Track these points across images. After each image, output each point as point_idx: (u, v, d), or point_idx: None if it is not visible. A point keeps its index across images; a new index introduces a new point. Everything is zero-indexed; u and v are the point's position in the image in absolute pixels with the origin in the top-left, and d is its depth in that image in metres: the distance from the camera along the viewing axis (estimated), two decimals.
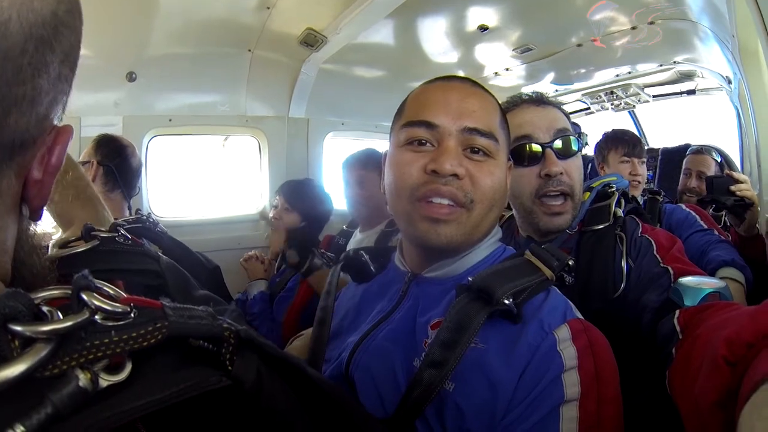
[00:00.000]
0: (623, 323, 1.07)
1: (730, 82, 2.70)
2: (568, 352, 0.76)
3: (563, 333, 0.78)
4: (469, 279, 0.83)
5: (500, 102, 1.37)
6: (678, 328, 0.84)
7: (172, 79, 2.58)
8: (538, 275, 0.86)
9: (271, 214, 2.57)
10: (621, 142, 2.48)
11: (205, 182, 3.16)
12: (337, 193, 2.64)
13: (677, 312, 0.88)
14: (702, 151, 2.82)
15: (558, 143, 1.24)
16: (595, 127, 3.89)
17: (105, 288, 0.38)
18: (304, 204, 2.55)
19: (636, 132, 3.93)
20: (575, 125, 3.87)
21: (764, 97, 1.91)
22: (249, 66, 2.73)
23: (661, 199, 2.29)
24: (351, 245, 2.57)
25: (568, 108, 3.94)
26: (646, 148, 3.76)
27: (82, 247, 0.86)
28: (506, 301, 0.78)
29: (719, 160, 2.80)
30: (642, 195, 2.36)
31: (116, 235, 0.92)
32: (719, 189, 2.03)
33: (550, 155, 1.23)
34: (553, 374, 0.75)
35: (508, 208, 1.38)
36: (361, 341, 0.93)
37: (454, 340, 0.78)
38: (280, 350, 0.46)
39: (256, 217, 3.02)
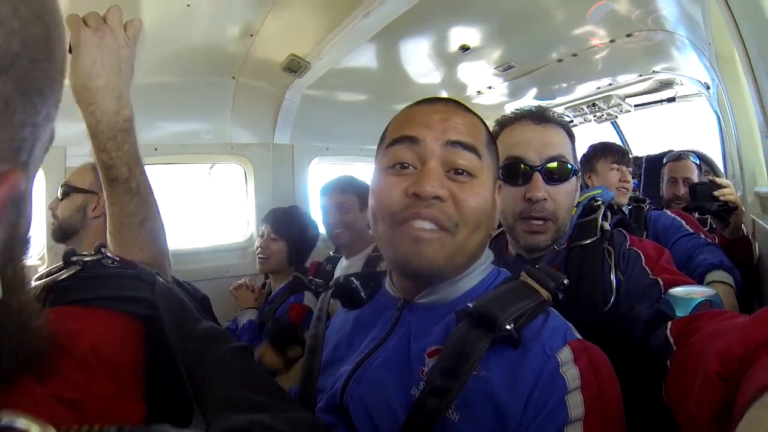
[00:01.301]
0: (615, 336, 1.05)
1: (708, 88, 2.75)
2: (571, 374, 0.75)
3: (565, 355, 0.77)
4: (470, 305, 0.81)
5: (500, 117, 1.37)
6: (671, 340, 0.83)
7: (157, 108, 2.57)
8: (536, 297, 0.84)
9: (257, 244, 2.54)
10: (610, 152, 2.54)
11: (191, 211, 3.13)
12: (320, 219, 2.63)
13: (669, 323, 0.87)
14: (682, 157, 2.86)
15: (548, 168, 1.24)
16: (580, 139, 3.93)
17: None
18: (290, 232, 2.53)
19: (620, 141, 4.00)
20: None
21: (742, 102, 1.95)
22: (233, 94, 2.73)
23: (646, 207, 2.32)
24: (338, 271, 2.55)
25: None
26: (630, 156, 3.83)
27: (62, 275, 0.80)
28: (508, 327, 0.76)
29: (698, 162, 2.83)
30: (627, 204, 2.41)
31: (102, 257, 0.86)
32: (702, 195, 2.06)
33: (537, 180, 1.23)
34: (557, 397, 0.73)
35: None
36: (354, 371, 0.89)
37: (457, 368, 0.75)
38: None
39: (244, 245, 2.99)
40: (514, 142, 1.27)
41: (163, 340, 0.79)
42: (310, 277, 2.55)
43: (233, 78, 2.66)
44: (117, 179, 1.00)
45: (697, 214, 2.20)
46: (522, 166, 1.24)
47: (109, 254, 0.88)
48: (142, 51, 2.24)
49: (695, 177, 2.76)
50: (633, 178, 3.53)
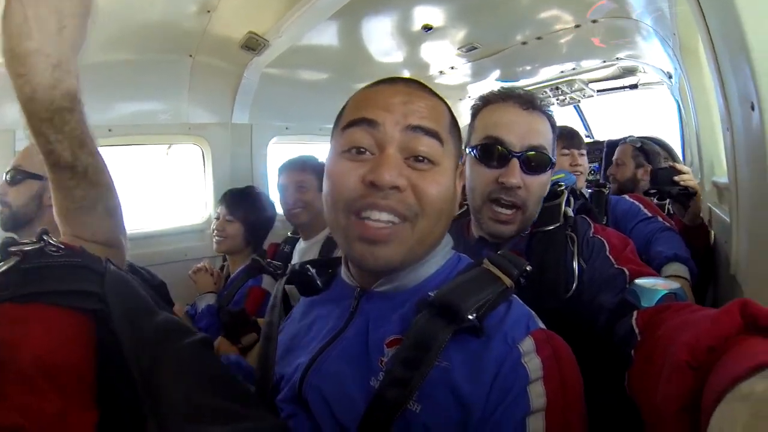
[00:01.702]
0: (577, 323, 1.06)
1: (670, 77, 2.77)
2: (533, 364, 0.75)
3: (527, 345, 0.77)
4: (431, 294, 0.80)
5: (486, 92, 1.33)
6: (636, 330, 0.83)
7: (110, 88, 2.46)
8: (498, 285, 0.83)
9: (213, 226, 2.50)
10: (559, 137, 2.48)
11: (148, 193, 3.06)
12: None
13: (635, 313, 0.87)
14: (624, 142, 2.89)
15: (527, 156, 1.21)
16: None
17: None
18: (246, 213, 2.50)
19: (582, 126, 4.03)
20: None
21: (704, 94, 1.98)
22: (190, 72, 2.64)
23: (606, 191, 2.29)
24: (296, 254, 2.53)
25: None
26: (591, 141, 3.86)
27: None
28: (470, 317, 0.76)
29: (638, 146, 2.83)
30: (588, 188, 2.39)
31: (44, 245, 0.76)
32: (663, 179, 2.09)
33: (514, 166, 1.20)
34: (519, 387, 0.73)
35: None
36: (312, 362, 0.88)
37: (418, 359, 0.75)
38: None
39: (202, 227, 2.95)
40: (496, 123, 1.23)
41: (115, 340, 0.71)
42: (269, 260, 2.53)
43: (190, 56, 2.57)
44: (58, 164, 0.85)
45: (656, 199, 2.24)
46: (500, 148, 1.20)
47: (52, 241, 0.78)
48: (95, 28, 2.16)
49: (629, 161, 2.78)
50: (593, 161, 3.60)
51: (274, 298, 1.08)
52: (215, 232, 2.48)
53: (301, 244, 2.52)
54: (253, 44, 2.59)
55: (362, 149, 0.82)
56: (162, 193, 3.16)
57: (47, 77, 0.77)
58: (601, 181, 3.02)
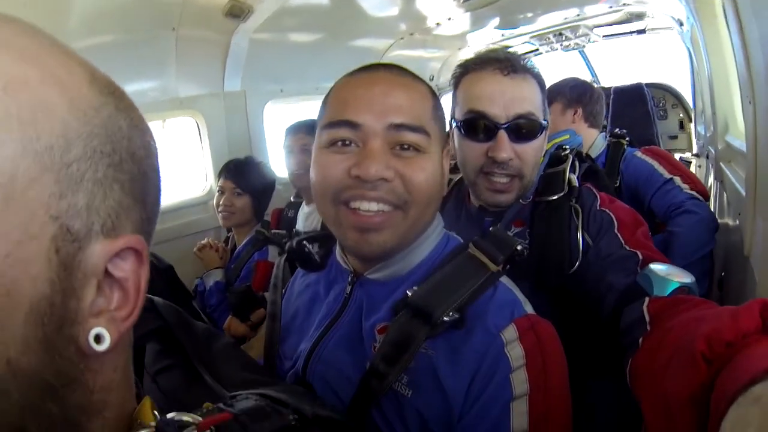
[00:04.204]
0: (582, 299, 1.08)
1: (681, 24, 2.60)
2: (515, 353, 0.78)
3: (510, 333, 0.79)
4: (409, 293, 0.82)
5: (464, 60, 1.28)
6: (647, 317, 0.84)
7: None
8: (483, 272, 0.84)
9: (218, 201, 2.50)
10: (559, 94, 2.29)
11: None
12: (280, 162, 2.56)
13: (647, 299, 0.88)
14: None
15: (515, 126, 1.15)
16: (546, 67, 3.79)
17: (183, 418, 0.46)
18: (253, 184, 2.49)
19: (588, 71, 3.86)
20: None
21: (719, 47, 1.87)
22: (175, 45, 2.52)
23: (625, 144, 2.16)
24: (300, 219, 2.53)
25: (515, 51, 3.78)
26: (597, 86, 3.71)
27: None
28: (446, 319, 0.78)
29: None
30: (605, 138, 2.26)
31: None
32: None
33: (502, 138, 1.15)
34: (501, 376, 0.77)
35: (456, 170, 1.31)
36: (313, 349, 0.93)
37: (396, 356, 0.79)
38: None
39: (204, 199, 2.94)
40: (478, 95, 1.18)
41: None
42: (273, 230, 2.55)
43: (173, 29, 2.44)
44: None
45: None
46: (485, 122, 1.16)
47: None
48: (73, 10, 2.07)
49: None
50: None
51: (275, 278, 1.11)
52: (222, 207, 2.48)
53: (304, 209, 2.52)
54: (237, 11, 2.46)
55: (347, 141, 0.82)
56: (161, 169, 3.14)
57: None
58: (609, 130, 2.87)
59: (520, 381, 0.76)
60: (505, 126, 1.15)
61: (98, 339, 0.40)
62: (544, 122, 1.20)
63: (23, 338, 0.36)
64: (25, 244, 0.35)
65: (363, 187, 0.80)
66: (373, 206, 0.81)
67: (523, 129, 1.16)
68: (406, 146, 0.82)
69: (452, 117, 1.25)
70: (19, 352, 0.36)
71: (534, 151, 1.20)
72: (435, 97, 0.91)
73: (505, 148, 1.15)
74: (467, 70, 1.23)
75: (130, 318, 0.43)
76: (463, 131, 1.20)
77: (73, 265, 0.38)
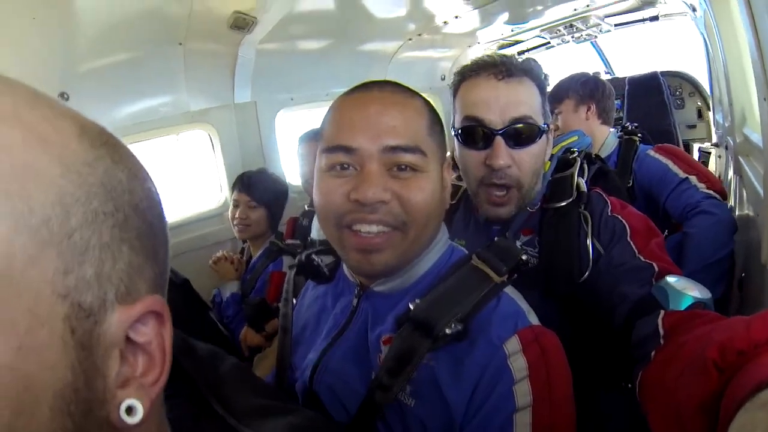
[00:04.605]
0: (592, 309, 1.07)
1: (694, 9, 2.52)
2: (518, 364, 0.78)
3: (513, 345, 0.79)
4: (411, 307, 0.83)
5: (461, 67, 1.26)
6: (661, 331, 0.82)
7: (106, 91, 2.40)
8: (486, 283, 0.84)
9: (233, 214, 2.52)
10: (562, 93, 2.24)
11: (161, 185, 3.08)
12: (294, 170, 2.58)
13: (662, 313, 0.86)
14: None
15: (512, 131, 1.13)
16: (557, 60, 3.72)
17: None
18: (268, 196, 2.51)
19: (601, 62, 3.77)
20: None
21: (734, 37, 1.80)
22: (183, 60, 2.54)
23: (638, 141, 2.08)
24: (314, 228, 2.54)
25: (525, 45, 3.73)
26: (611, 77, 3.63)
27: None
28: (448, 331, 0.78)
29: None
30: (617, 136, 2.18)
31: None
32: None
33: (498, 145, 1.13)
34: (504, 388, 0.76)
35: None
36: (319, 360, 0.95)
37: (399, 369, 0.80)
38: None
39: (220, 211, 2.97)
40: (473, 101, 1.16)
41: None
42: (287, 241, 2.57)
43: (180, 44, 2.47)
44: None
45: None
46: (481, 129, 1.15)
47: None
48: (82, 31, 2.11)
49: None
50: (615, 99, 3.40)
51: (286, 292, 1.13)
52: (237, 220, 2.49)
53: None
54: (241, 23, 2.48)
55: (345, 165, 0.83)
56: (175, 182, 3.18)
57: None
58: (625, 121, 2.77)
59: (523, 393, 0.76)
60: (501, 132, 1.13)
61: (129, 411, 0.37)
62: (543, 126, 1.18)
63: None
64: (36, 331, 0.32)
65: (363, 210, 0.81)
66: (374, 228, 0.82)
67: (520, 134, 1.14)
68: (403, 167, 0.83)
69: (452, 126, 1.24)
70: None
71: (532, 157, 1.18)
72: (431, 112, 0.91)
73: (502, 155, 1.13)
74: (463, 77, 1.22)
75: (159, 382, 0.40)
76: (461, 140, 1.20)
77: (92, 342, 0.35)
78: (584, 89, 2.20)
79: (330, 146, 0.85)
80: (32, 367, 0.32)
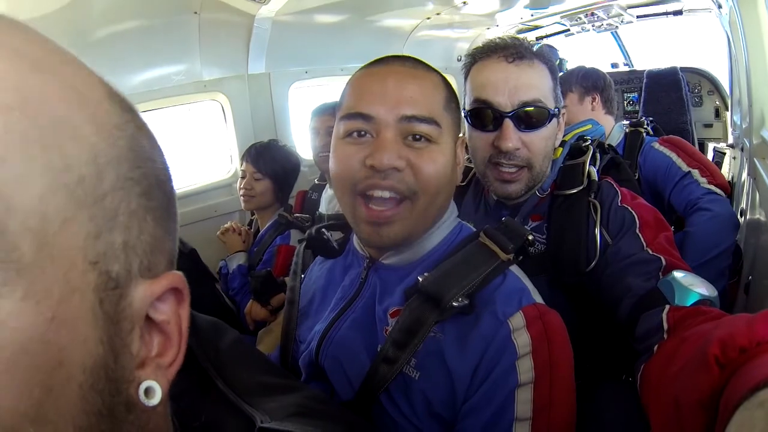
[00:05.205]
0: (598, 298, 1.08)
1: (720, 6, 2.47)
2: (522, 340, 0.80)
3: (517, 321, 0.81)
4: (420, 279, 0.85)
5: (473, 49, 1.27)
6: (665, 326, 0.84)
7: (119, 60, 2.39)
8: (493, 260, 0.87)
9: (240, 184, 2.53)
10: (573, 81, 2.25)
11: (172, 154, 3.07)
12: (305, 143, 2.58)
13: (667, 308, 0.87)
14: None
15: (521, 114, 1.14)
16: (578, 48, 3.66)
17: None
18: (274, 168, 2.49)
19: (620, 53, 3.71)
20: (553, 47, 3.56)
21: (758, 31, 1.77)
22: (198, 29, 2.51)
23: (644, 132, 2.10)
24: (323, 201, 2.55)
25: (545, 31, 3.66)
26: (630, 69, 3.58)
27: None
28: (455, 304, 0.81)
29: None
30: (622, 128, 2.20)
31: None
32: None
33: (507, 127, 1.14)
34: (507, 362, 0.79)
35: None
36: (327, 331, 0.97)
37: (405, 342, 0.83)
38: None
39: (230, 181, 2.97)
40: (483, 83, 1.17)
41: None
42: (295, 215, 2.57)
43: (195, 13, 2.44)
44: None
45: None
46: (490, 111, 1.15)
47: None
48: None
49: None
50: (633, 92, 3.36)
51: (295, 264, 1.14)
52: (243, 190, 2.49)
53: (328, 191, 2.55)
54: None
55: (362, 132, 0.86)
56: (185, 152, 3.17)
57: None
58: (641, 115, 2.73)
59: (525, 368, 0.78)
60: (511, 114, 1.14)
61: (147, 392, 0.36)
62: (554, 110, 1.18)
63: (81, 415, 0.31)
64: (68, 300, 0.30)
65: (376, 176, 0.84)
66: (386, 194, 0.85)
67: (530, 117, 1.15)
68: (417, 137, 0.85)
69: (463, 108, 1.24)
70: None
71: (542, 140, 1.18)
72: (448, 88, 0.93)
73: (511, 137, 1.14)
74: (474, 59, 1.22)
75: (175, 364, 0.39)
76: (470, 121, 1.20)
77: (119, 316, 0.33)
78: (586, 81, 2.21)
79: (348, 113, 0.87)
80: (65, 340, 0.30)
